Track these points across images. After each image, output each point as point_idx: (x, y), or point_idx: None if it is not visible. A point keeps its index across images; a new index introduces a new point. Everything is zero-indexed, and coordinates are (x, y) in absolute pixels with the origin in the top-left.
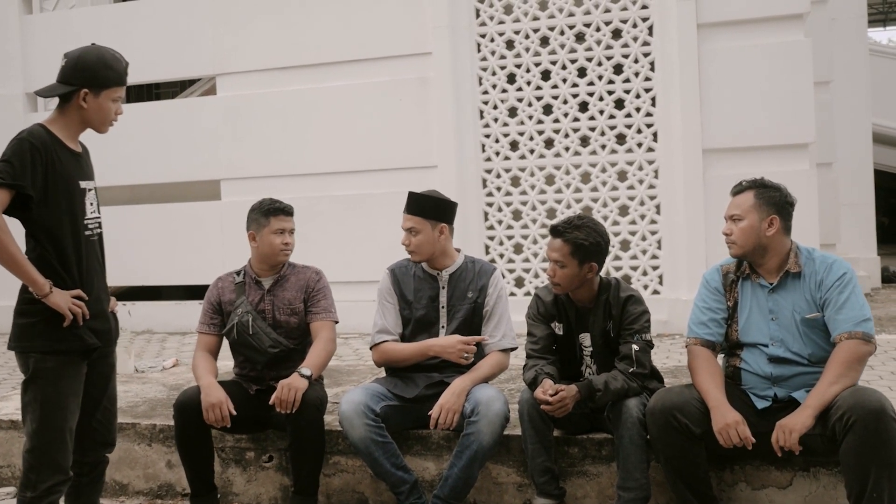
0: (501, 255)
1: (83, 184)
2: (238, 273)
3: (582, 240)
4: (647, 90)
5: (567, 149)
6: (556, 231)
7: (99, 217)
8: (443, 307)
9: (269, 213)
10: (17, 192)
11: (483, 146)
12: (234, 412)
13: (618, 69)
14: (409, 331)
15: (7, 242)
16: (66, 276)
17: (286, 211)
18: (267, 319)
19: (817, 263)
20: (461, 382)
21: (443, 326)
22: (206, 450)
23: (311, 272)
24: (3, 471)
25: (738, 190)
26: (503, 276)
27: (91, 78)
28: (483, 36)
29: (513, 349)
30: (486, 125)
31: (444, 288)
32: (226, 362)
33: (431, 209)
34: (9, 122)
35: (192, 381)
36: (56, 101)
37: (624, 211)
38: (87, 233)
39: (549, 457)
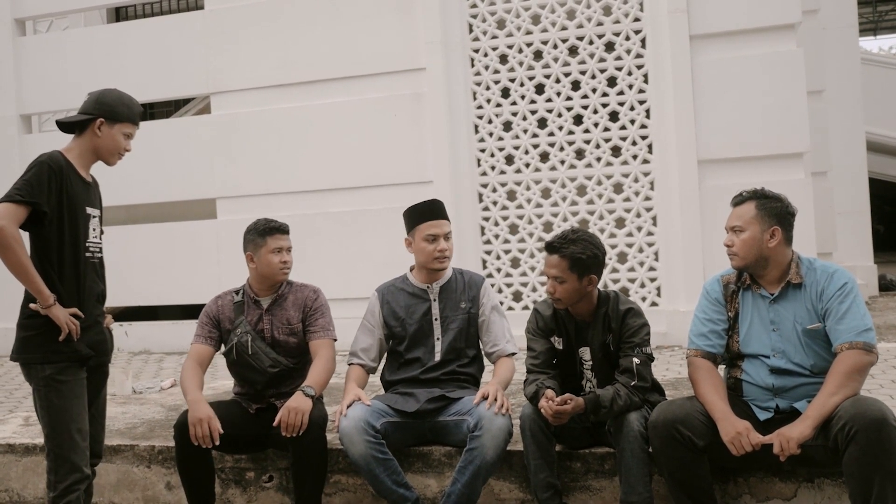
0: (499, 270)
1: (89, 210)
2: (237, 292)
3: (579, 254)
4: (642, 102)
5: (562, 162)
6: (551, 247)
7: (100, 243)
8: (436, 320)
9: (265, 232)
10: (34, 208)
11: (478, 161)
12: (222, 430)
13: (611, 82)
14: (404, 346)
15: (20, 254)
16: (62, 290)
17: (282, 229)
18: (266, 339)
19: (818, 273)
20: (495, 384)
21: (438, 339)
22: (207, 470)
23: (308, 290)
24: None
25: (739, 201)
26: (500, 291)
27: (108, 110)
28: (476, 51)
29: (514, 353)
30: (482, 139)
31: (435, 301)
32: (226, 382)
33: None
34: (3, 143)
35: None
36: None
37: (621, 223)
38: (88, 254)
39: (552, 472)
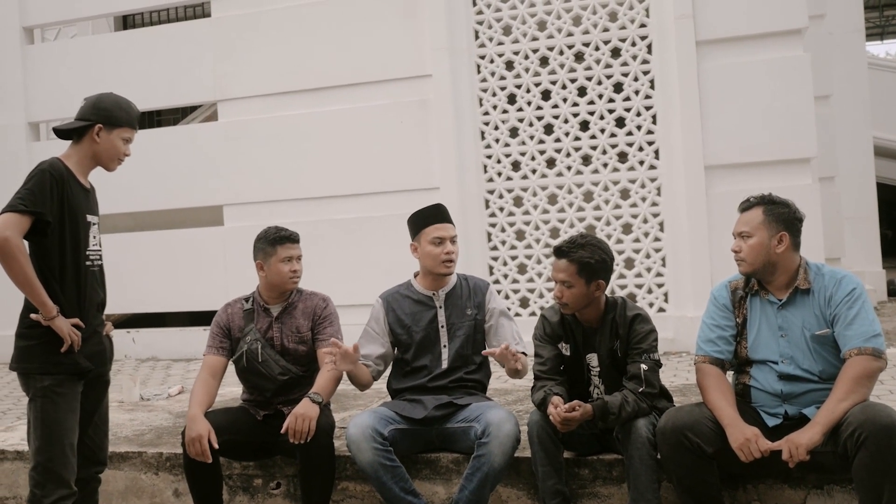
0: (505, 276)
1: (89, 217)
2: (247, 300)
3: (587, 258)
4: (648, 108)
5: (569, 168)
6: (560, 252)
7: (100, 250)
8: (442, 327)
9: (275, 241)
10: (37, 218)
11: (485, 167)
12: (216, 445)
13: (618, 88)
14: (410, 354)
15: (24, 265)
16: (63, 299)
17: (292, 238)
18: (275, 347)
19: (826, 279)
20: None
21: (444, 346)
22: (215, 477)
23: (318, 299)
24: (8, 502)
25: (746, 206)
26: (507, 297)
27: (106, 116)
28: (482, 57)
29: (525, 354)
30: (488, 146)
31: (441, 308)
32: (233, 388)
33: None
34: (11, 151)
35: None
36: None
37: (627, 229)
38: (88, 263)
39: (560, 479)
